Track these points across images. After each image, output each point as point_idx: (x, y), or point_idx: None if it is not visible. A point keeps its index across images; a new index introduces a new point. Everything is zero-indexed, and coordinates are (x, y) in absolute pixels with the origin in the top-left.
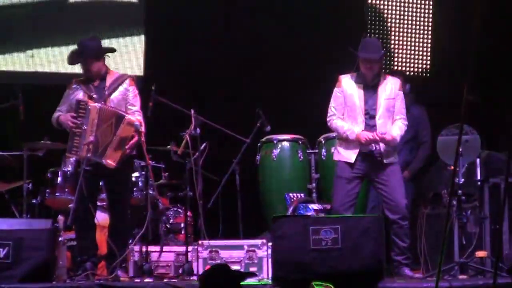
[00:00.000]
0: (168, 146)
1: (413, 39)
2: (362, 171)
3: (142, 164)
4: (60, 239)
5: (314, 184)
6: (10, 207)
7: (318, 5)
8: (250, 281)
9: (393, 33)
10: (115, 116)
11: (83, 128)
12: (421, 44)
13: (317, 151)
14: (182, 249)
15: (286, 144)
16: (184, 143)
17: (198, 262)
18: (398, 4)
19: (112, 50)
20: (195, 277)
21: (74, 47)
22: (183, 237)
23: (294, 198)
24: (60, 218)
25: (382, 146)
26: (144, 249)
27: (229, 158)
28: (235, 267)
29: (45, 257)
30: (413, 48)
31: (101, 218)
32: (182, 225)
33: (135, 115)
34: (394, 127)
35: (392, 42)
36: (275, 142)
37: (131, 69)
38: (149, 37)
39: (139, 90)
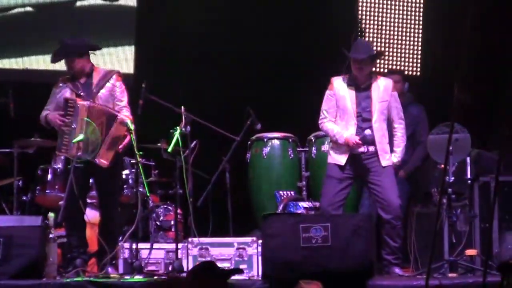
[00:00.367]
0: (159, 144)
1: (403, 39)
2: (354, 172)
3: (132, 161)
4: (50, 236)
5: (304, 182)
6: (0, 204)
7: (310, 5)
8: (239, 277)
9: (384, 33)
10: (106, 115)
11: (72, 126)
12: (411, 44)
13: (307, 149)
14: (172, 246)
15: (276, 142)
16: (175, 141)
17: (188, 259)
18: (389, 4)
19: (97, 48)
20: (185, 275)
21: None
22: (173, 235)
23: (284, 196)
24: (51, 215)
25: (376, 147)
26: (134, 246)
27: (219, 156)
28: (225, 264)
29: (35, 254)
30: (403, 47)
31: (91, 215)
32: (172, 222)
33: (123, 111)
34: (398, 138)
35: (383, 42)
36: (265, 140)
37: (121, 67)
38: (139, 35)
39: (129, 88)
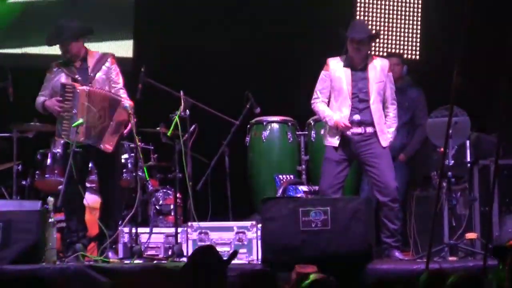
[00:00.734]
0: (158, 128)
1: (402, 22)
2: (350, 153)
3: (131, 145)
4: (50, 220)
5: (303, 166)
6: None
7: None
8: (238, 261)
9: (382, 15)
10: (109, 99)
11: (73, 111)
12: (410, 27)
13: (306, 133)
14: (171, 230)
15: (275, 125)
16: (174, 125)
17: (187, 243)
18: None
19: (91, 31)
20: (184, 259)
21: None
22: (172, 219)
23: (284, 180)
24: (50, 199)
25: (375, 128)
26: (133, 230)
27: (219, 140)
28: (224, 248)
29: (34, 239)
30: (402, 31)
31: (91, 199)
32: (172, 206)
33: (120, 93)
34: (390, 119)
35: (382, 25)
36: (264, 123)
37: (120, 51)
38: (139, 18)
39: (128, 72)
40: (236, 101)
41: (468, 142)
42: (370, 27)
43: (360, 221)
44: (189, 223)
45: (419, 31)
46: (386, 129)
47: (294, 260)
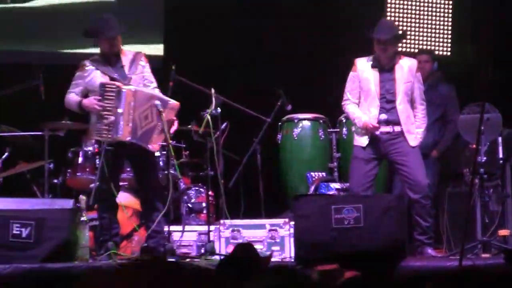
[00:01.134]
0: (189, 126)
1: (433, 18)
2: (378, 152)
3: (163, 143)
4: (82, 219)
5: (335, 163)
6: (31, 187)
7: None
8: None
9: (413, 12)
10: (156, 99)
11: (118, 111)
12: (441, 23)
13: (338, 130)
14: (204, 228)
15: (307, 123)
16: (205, 122)
17: (220, 241)
18: None
19: (124, 29)
20: (217, 257)
21: None
22: (204, 217)
23: (316, 177)
24: (82, 198)
25: (402, 127)
26: (166, 228)
27: (250, 137)
28: (257, 246)
29: (67, 237)
30: (433, 27)
31: (123, 198)
32: (204, 204)
33: (155, 91)
34: (419, 121)
35: (412, 21)
36: (296, 121)
37: (150, 49)
38: (169, 15)
39: (159, 70)
40: (267, 99)
41: (500, 139)
42: (400, 24)
43: (392, 218)
44: (222, 221)
45: (450, 27)
46: (414, 129)
47: (327, 257)
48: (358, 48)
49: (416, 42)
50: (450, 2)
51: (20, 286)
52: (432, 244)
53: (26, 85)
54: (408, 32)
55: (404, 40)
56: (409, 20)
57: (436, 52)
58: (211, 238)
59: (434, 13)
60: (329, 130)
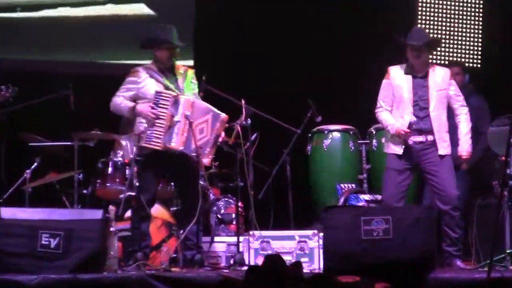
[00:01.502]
0: None
1: (463, 30)
2: (412, 162)
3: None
4: (111, 229)
5: (365, 175)
6: (61, 198)
7: None
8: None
9: (443, 24)
10: (212, 113)
11: (174, 119)
12: (472, 35)
13: (368, 141)
14: (233, 239)
15: (337, 134)
16: (235, 133)
17: (249, 252)
18: None
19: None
20: (246, 268)
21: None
22: (234, 228)
23: (345, 189)
24: (111, 208)
25: (435, 136)
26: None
27: (280, 148)
28: (286, 257)
29: (96, 247)
30: (463, 39)
31: (154, 208)
32: (233, 215)
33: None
34: (462, 124)
35: (443, 33)
36: (326, 132)
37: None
38: (199, 26)
39: None
40: (297, 110)
41: None
42: (431, 35)
43: (421, 229)
44: (251, 232)
45: (480, 40)
46: (447, 137)
47: (356, 269)
48: (389, 58)
49: (446, 54)
50: (481, 14)
51: None
52: (461, 256)
53: (56, 95)
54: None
55: (434, 52)
56: (439, 31)
57: (466, 64)
58: (240, 249)
59: (464, 25)
60: (359, 141)
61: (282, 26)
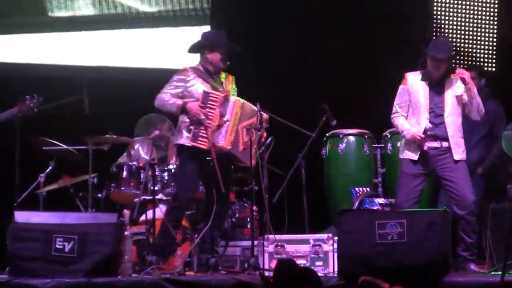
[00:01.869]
0: None
1: (478, 34)
2: (427, 168)
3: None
4: (125, 233)
5: (379, 179)
6: (75, 201)
7: (384, 1)
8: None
9: (458, 28)
10: (257, 114)
11: (223, 119)
12: (486, 39)
13: (382, 145)
14: (248, 243)
15: (351, 138)
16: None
17: (264, 256)
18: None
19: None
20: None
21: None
22: (248, 232)
23: (360, 193)
24: (126, 212)
25: (450, 142)
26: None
27: (295, 152)
28: (300, 261)
29: (110, 251)
30: (478, 43)
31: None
32: (248, 219)
33: None
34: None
35: (458, 37)
36: (340, 136)
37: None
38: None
39: None
40: (312, 114)
41: None
42: (451, 44)
43: (436, 233)
44: (266, 236)
45: (495, 43)
46: (463, 143)
47: (370, 272)
48: (403, 63)
49: (460, 57)
50: (495, 17)
51: None
52: (475, 260)
53: (70, 99)
54: (454, 48)
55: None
56: (453, 35)
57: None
58: (255, 253)
59: (478, 29)
60: (373, 145)
61: (298, 30)
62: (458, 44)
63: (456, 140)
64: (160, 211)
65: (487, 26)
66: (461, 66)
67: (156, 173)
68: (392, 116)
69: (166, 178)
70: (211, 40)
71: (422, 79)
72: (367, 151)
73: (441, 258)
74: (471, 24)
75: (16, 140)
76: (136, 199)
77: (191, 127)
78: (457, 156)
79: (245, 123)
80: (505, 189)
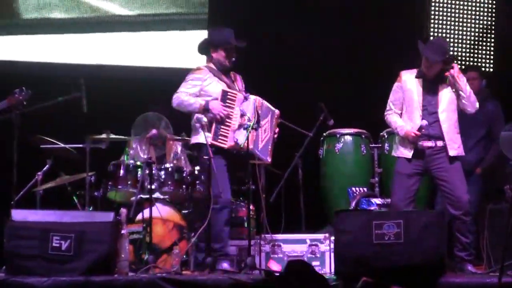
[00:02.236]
0: None
1: (476, 34)
2: (421, 167)
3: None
4: (122, 232)
5: (376, 179)
6: (72, 200)
7: (384, 1)
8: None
9: (456, 28)
10: (271, 112)
11: (244, 118)
12: (484, 39)
13: (380, 145)
14: (244, 243)
15: (349, 138)
16: (247, 136)
17: (260, 256)
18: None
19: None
20: (257, 271)
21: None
22: (245, 231)
23: (357, 193)
24: (123, 211)
25: (445, 139)
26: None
27: (292, 152)
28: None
29: (107, 250)
30: (476, 43)
31: (164, 211)
32: (245, 219)
33: None
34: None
35: (455, 37)
36: (338, 136)
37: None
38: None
39: None
40: (309, 113)
41: None
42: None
43: (432, 234)
44: (262, 236)
45: (492, 44)
46: (458, 139)
47: (366, 273)
48: (400, 63)
49: (458, 57)
50: (493, 18)
51: None
52: (472, 261)
53: (68, 97)
54: (451, 48)
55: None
56: (452, 36)
57: None
58: (252, 253)
59: (476, 29)
60: (371, 145)
61: (295, 31)
62: (456, 44)
63: (452, 136)
64: (157, 210)
65: (485, 26)
66: (459, 66)
67: (153, 171)
68: (385, 113)
69: (163, 176)
70: (214, 38)
71: (417, 77)
72: (364, 151)
73: (437, 258)
74: (468, 25)
75: (13, 138)
76: (133, 198)
77: (212, 126)
78: (452, 152)
79: (263, 121)
80: (503, 190)
